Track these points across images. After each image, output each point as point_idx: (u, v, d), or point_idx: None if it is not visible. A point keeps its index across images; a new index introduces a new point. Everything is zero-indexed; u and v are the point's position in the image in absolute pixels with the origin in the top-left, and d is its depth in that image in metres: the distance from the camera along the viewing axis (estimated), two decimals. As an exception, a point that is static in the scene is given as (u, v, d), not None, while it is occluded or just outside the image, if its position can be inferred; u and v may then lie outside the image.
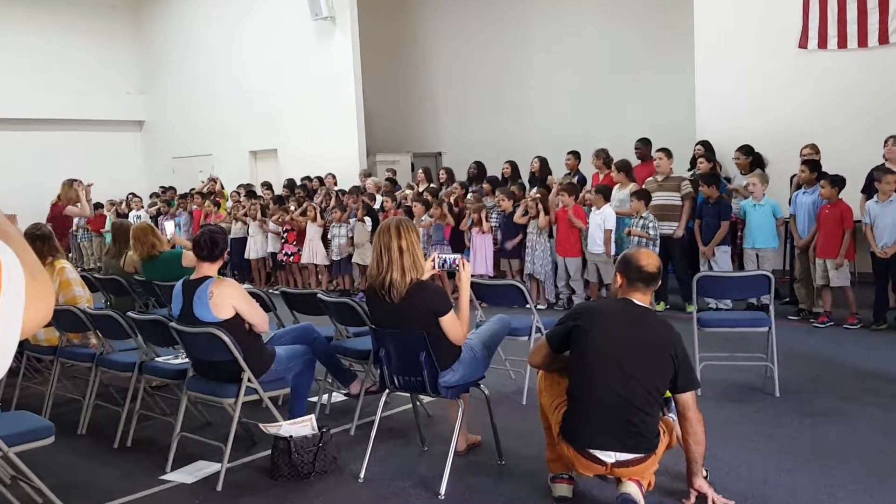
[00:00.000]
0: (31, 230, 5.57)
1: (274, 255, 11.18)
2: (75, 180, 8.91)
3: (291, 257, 10.87)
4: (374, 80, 14.72)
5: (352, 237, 10.17)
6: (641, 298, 3.28)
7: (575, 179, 9.39)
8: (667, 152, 8.29)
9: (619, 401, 3.12)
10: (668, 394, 3.38)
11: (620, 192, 8.54)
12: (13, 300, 1.06)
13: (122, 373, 4.90)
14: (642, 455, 3.15)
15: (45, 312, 1.15)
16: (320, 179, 12.41)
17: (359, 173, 12.68)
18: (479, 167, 10.88)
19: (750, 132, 8.98)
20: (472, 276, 5.33)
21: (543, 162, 10.08)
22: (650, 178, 8.43)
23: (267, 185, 12.98)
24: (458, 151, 14.32)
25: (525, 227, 8.88)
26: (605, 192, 8.31)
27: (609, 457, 3.15)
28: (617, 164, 8.77)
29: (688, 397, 3.21)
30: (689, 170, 8.95)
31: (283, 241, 10.97)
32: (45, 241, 5.50)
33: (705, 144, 9.08)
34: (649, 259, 3.30)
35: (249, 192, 12.62)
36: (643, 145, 9.30)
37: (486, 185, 10.05)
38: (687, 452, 3.33)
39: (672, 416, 3.38)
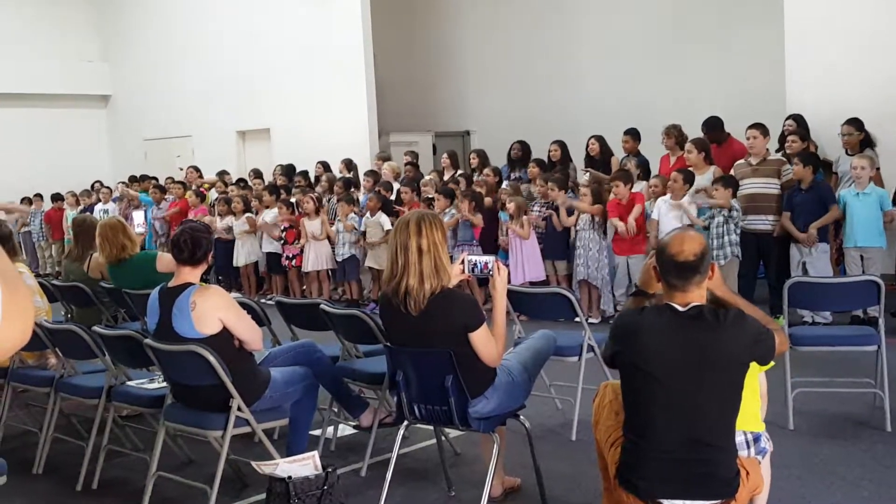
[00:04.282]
0: None
1: (270, 255, 11.24)
2: None
3: (293, 260, 10.95)
4: (388, 44, 14.76)
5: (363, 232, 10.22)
6: (684, 298, 3.19)
7: (633, 164, 9.35)
8: (762, 129, 8.21)
9: (680, 437, 3.09)
10: (756, 427, 3.36)
11: (698, 178, 8.50)
12: None
13: (87, 400, 4.98)
14: (719, 502, 3.13)
15: (22, 333, 1.16)
16: (325, 165, 12.46)
17: (375, 157, 12.72)
18: (524, 148, 10.84)
19: (855, 104, 8.85)
20: (517, 283, 5.31)
21: (602, 142, 10.04)
22: (741, 162, 8.37)
23: (258, 174, 13.09)
24: (491, 130, 14.32)
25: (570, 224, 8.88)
26: (691, 180, 8.28)
27: (678, 507, 3.13)
28: (694, 141, 8.71)
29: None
30: (778, 150, 8.88)
31: (282, 241, 11.05)
32: (7, 241, 5.60)
33: (798, 120, 9.00)
34: (683, 244, 3.16)
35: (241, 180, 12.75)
36: (709, 129, 9.15)
37: (532, 168, 10.02)
38: None
39: (759, 458, 3.36)
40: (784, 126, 9.06)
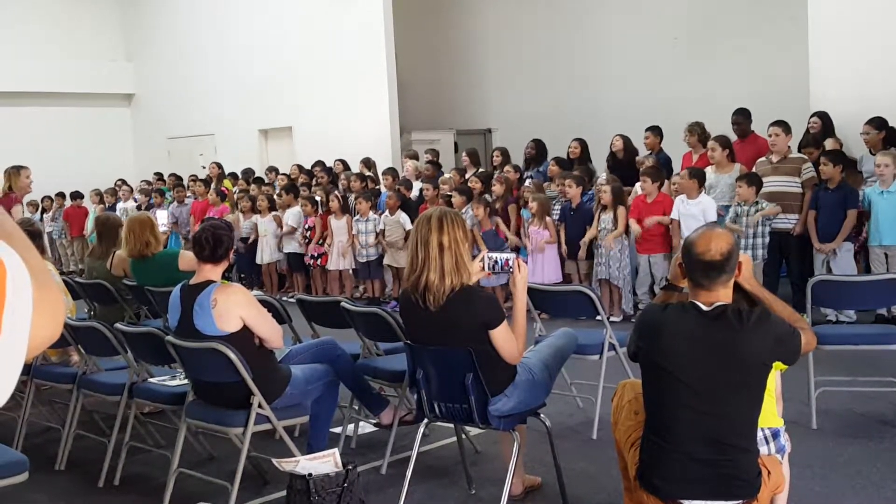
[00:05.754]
0: (24, 226, 5.70)
1: (292, 255, 11.27)
2: (23, 167, 8.62)
3: (319, 259, 10.97)
4: (410, 42, 14.77)
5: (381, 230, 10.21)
6: (710, 297, 3.16)
7: (652, 161, 9.29)
8: (784, 126, 8.17)
9: (702, 438, 3.07)
10: (774, 423, 3.33)
11: (721, 176, 8.43)
12: (19, 317, 1.07)
13: (109, 396, 5.01)
14: (741, 502, 3.11)
15: (52, 329, 1.16)
16: (344, 163, 12.50)
17: (403, 154, 12.72)
18: (539, 147, 10.83)
19: (880, 101, 8.77)
20: (536, 283, 5.31)
21: (626, 140, 9.99)
22: (762, 159, 8.32)
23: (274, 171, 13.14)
24: (512, 128, 14.28)
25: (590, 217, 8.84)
26: (700, 177, 8.24)
27: (699, 507, 3.12)
28: (717, 138, 8.67)
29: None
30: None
31: (305, 240, 11.08)
32: (37, 239, 5.65)
33: (823, 117, 8.92)
34: (710, 243, 3.12)
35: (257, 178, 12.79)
36: (743, 119, 9.15)
37: (552, 167, 9.99)
38: None
39: (778, 456, 3.34)
40: (809, 123, 9.00)
